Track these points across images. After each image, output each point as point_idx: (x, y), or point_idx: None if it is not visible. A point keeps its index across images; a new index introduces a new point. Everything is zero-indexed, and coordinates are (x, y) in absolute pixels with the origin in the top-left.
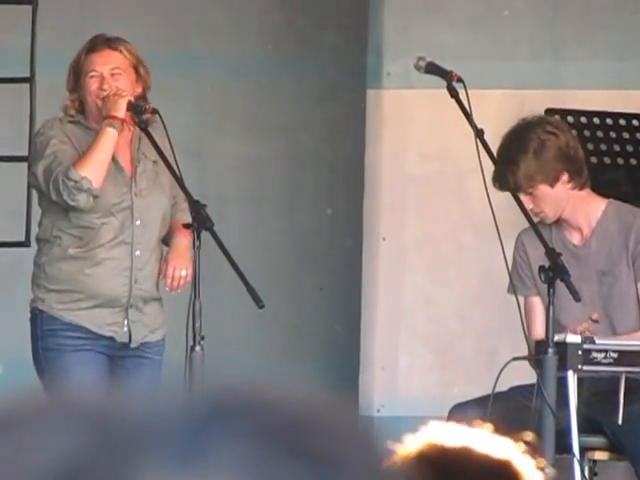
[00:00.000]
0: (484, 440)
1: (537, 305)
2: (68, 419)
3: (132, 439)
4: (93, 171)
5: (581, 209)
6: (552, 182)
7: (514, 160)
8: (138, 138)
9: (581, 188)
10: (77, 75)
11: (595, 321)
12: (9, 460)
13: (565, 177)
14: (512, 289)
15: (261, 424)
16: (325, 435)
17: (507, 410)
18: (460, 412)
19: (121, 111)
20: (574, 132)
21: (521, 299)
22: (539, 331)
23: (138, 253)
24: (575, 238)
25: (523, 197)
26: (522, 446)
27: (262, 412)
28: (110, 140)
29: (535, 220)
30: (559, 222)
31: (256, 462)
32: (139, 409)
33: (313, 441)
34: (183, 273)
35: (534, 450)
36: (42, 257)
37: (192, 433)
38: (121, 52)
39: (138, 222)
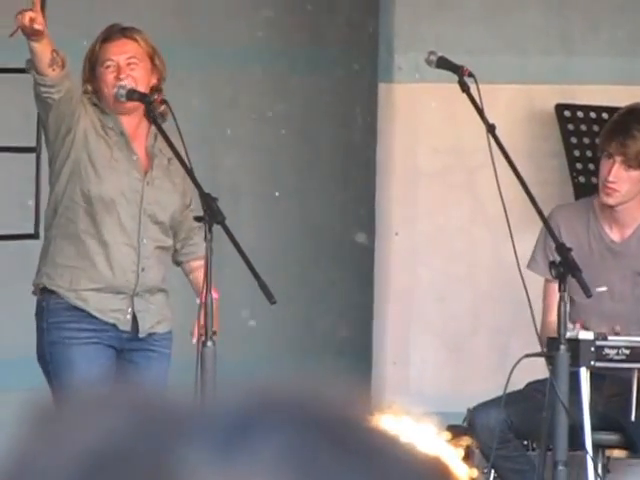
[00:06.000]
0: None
1: (556, 292)
2: (112, 404)
3: (176, 425)
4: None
5: (636, 208)
6: None
7: (632, 133)
8: (154, 136)
9: None
10: (92, 65)
11: (617, 333)
12: (54, 439)
13: None
14: (532, 265)
15: (306, 418)
16: (368, 431)
17: (526, 410)
18: (483, 414)
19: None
20: (583, 127)
21: (541, 280)
22: (554, 318)
23: (145, 241)
24: (615, 235)
25: (617, 166)
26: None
27: (308, 406)
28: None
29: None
30: (605, 214)
31: (298, 453)
32: (183, 399)
33: (357, 436)
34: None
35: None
36: (52, 230)
37: (237, 423)
38: (137, 41)
39: (146, 210)
